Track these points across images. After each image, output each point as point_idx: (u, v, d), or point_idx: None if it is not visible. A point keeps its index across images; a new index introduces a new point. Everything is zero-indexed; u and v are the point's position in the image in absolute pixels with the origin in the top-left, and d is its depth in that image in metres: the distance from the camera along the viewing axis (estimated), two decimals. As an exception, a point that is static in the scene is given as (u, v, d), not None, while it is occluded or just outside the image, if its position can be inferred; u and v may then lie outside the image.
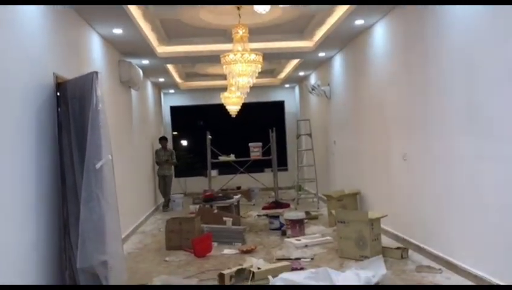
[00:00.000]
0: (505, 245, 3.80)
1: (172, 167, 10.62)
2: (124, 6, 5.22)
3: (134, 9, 5.77)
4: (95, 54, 6.03)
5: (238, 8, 6.07)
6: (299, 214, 7.03)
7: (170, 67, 9.84)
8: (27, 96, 3.80)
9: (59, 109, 4.34)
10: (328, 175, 9.71)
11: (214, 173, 11.70)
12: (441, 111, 4.74)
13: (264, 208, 9.33)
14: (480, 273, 4.14)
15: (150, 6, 6.01)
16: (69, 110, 4.24)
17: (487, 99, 3.95)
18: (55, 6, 4.55)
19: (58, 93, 4.36)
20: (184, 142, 16.75)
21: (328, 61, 9.21)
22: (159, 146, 10.52)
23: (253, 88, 7.68)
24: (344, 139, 8.52)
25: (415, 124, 5.37)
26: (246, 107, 11.58)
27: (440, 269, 4.70)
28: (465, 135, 4.29)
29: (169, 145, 11.72)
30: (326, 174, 9.84)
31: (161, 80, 10.95)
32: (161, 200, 10.63)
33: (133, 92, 8.45)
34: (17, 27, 3.72)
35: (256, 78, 6.54)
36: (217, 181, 11.36)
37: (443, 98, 4.68)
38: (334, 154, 9.20)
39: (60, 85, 4.39)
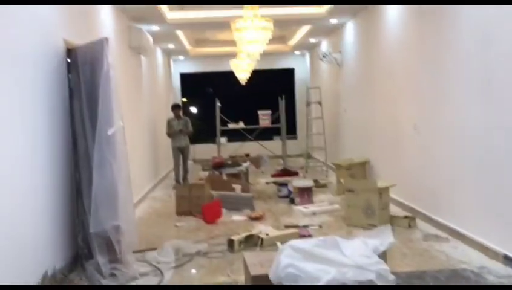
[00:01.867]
0: (513, 216, 3.81)
1: (188, 136, 9.02)
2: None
3: (143, -26, 5.67)
4: (105, 19, 5.97)
5: (249, -27, 5.93)
6: (308, 182, 7.08)
7: (180, 33, 9.74)
8: (37, 61, 3.81)
9: (70, 75, 4.35)
10: (338, 144, 9.70)
11: (223, 140, 11.71)
12: (453, 80, 4.68)
13: (272, 176, 9.40)
14: (486, 242, 4.17)
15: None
16: (80, 76, 4.24)
17: (501, 70, 3.88)
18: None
19: (68, 60, 4.35)
20: (193, 109, 16.75)
21: (340, 28, 9.04)
22: (171, 114, 9.16)
23: (263, 55, 7.60)
24: (354, 107, 8.47)
25: (426, 93, 5.31)
26: (255, 74, 11.50)
27: (447, 238, 4.75)
28: (477, 105, 4.24)
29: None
30: (335, 142, 9.83)
31: (171, 46, 10.85)
32: (171, 166, 9.35)
33: (143, 58, 8.41)
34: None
35: (267, 44, 6.47)
36: (226, 148, 11.41)
37: (456, 68, 4.60)
38: (344, 122, 9.17)
39: (71, 51, 4.38)
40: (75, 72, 4.30)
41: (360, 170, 7.43)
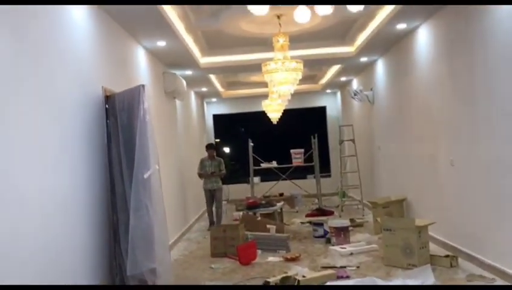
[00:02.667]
0: None
1: (220, 178, 8.78)
2: (167, 19, 5.37)
3: (176, 22, 5.93)
4: (140, 66, 6.24)
5: (278, 17, 6.10)
6: (344, 222, 6.95)
7: (212, 77, 10.02)
8: (78, 109, 3.99)
9: (108, 121, 4.52)
10: (373, 181, 9.54)
11: (256, 179, 11.71)
12: (488, 116, 4.58)
13: (307, 215, 9.28)
14: (536, 283, 3.95)
15: (192, 18, 6.15)
16: (117, 121, 4.41)
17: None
18: (103, 22, 4.75)
19: (107, 106, 4.54)
20: (226, 149, 16.93)
21: (370, 66, 9.09)
22: (205, 154, 8.99)
23: (294, 94, 7.70)
24: (388, 144, 8.37)
25: (462, 129, 5.21)
26: (287, 113, 11.59)
27: (493, 279, 4.52)
28: (517, 139, 4.12)
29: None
30: (371, 180, 9.67)
31: (204, 89, 11.15)
32: (204, 208, 9.39)
33: (177, 101, 8.66)
34: (70, 43, 3.91)
35: (297, 84, 6.56)
36: (259, 188, 11.39)
37: (491, 103, 4.52)
38: (379, 159, 9.05)
39: (109, 98, 4.58)
40: (113, 118, 4.48)
41: (397, 208, 7.25)
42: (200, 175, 8.76)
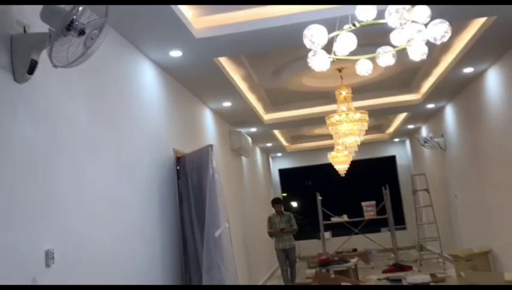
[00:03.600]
0: None
1: (292, 235, 8.04)
2: (232, 81, 5.60)
3: (240, 83, 6.15)
4: (207, 126, 6.48)
5: (340, 70, 6.16)
6: (424, 277, 6.53)
7: (276, 132, 10.16)
8: (151, 171, 4.17)
9: (179, 181, 4.67)
10: (453, 232, 8.95)
11: (327, 235, 11.41)
12: None
13: (384, 272, 8.81)
14: None
15: (255, 78, 6.36)
16: (188, 182, 4.55)
17: None
18: (171, 86, 5.04)
19: (178, 167, 4.71)
20: (293, 204, 16.77)
21: (438, 112, 8.80)
22: (271, 211, 8.35)
23: (362, 145, 7.55)
24: (466, 192, 7.89)
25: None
26: (355, 164, 11.35)
27: None
28: None
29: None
30: (450, 231, 9.08)
31: (269, 144, 11.29)
32: (276, 265, 9.15)
33: (243, 158, 8.81)
34: (143, 109, 4.17)
35: (364, 134, 6.46)
36: (331, 243, 11.07)
37: None
38: (457, 209, 8.52)
39: (179, 159, 4.76)
40: (184, 178, 4.62)
41: (482, 260, 6.69)
42: (271, 234, 8.07)
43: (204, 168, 4.37)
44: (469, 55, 5.44)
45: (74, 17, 2.23)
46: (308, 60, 2.95)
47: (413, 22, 2.65)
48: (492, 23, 4.47)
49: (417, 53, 2.85)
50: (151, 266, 3.88)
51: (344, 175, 11.55)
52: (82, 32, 2.28)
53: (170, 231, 4.39)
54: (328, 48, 2.81)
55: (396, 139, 12.91)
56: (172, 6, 3.45)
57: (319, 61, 2.93)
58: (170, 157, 4.66)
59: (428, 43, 2.73)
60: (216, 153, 4.97)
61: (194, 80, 5.30)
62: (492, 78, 6.03)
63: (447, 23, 2.67)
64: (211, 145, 4.44)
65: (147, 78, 4.35)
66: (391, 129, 11.47)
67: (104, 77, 3.48)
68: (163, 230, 4.23)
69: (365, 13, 2.72)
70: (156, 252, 4.01)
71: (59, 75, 2.62)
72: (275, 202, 8.35)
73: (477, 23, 4.80)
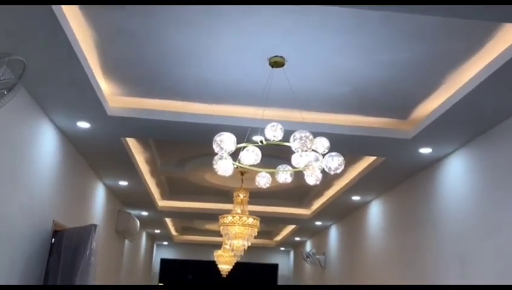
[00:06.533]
0: None
1: None
2: (135, 162, 5.50)
3: (143, 166, 6.06)
4: (97, 202, 6.15)
5: (242, 174, 6.35)
6: None
7: (168, 220, 9.91)
8: (19, 242, 3.77)
9: (50, 258, 4.27)
10: None
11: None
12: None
13: None
14: None
15: (159, 163, 6.31)
16: (60, 260, 4.17)
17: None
18: (69, 155, 4.80)
19: (53, 241, 4.34)
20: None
21: (324, 230, 9.27)
22: None
23: (248, 247, 7.60)
24: (337, 313, 8.12)
25: None
26: (238, 267, 11.27)
27: None
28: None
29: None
30: None
31: (157, 231, 10.92)
32: None
33: (126, 242, 8.37)
34: (33, 175, 3.88)
35: (252, 239, 6.54)
36: None
37: (440, 282, 4.61)
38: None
39: (57, 232, 4.40)
40: (57, 255, 4.24)
41: None
42: None
43: (81, 248, 4.07)
44: (358, 185, 5.97)
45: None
46: (214, 162, 3.05)
47: (313, 150, 2.92)
48: (382, 162, 5.00)
49: (312, 178, 3.09)
50: None
51: (225, 276, 11.36)
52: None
53: (25, 312, 3.90)
54: (234, 154, 2.94)
55: (282, 248, 13.19)
56: (92, 80, 3.41)
57: (224, 166, 3.05)
58: (47, 229, 4.29)
59: (324, 171, 2.98)
60: (99, 233, 4.68)
61: (96, 154, 5.12)
62: (375, 209, 6.60)
63: (342, 157, 2.96)
64: (95, 225, 4.20)
65: (47, 143, 4.11)
66: (279, 237, 11.76)
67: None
68: (17, 310, 3.75)
69: (273, 133, 2.96)
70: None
71: None
72: None
73: (369, 160, 5.35)
